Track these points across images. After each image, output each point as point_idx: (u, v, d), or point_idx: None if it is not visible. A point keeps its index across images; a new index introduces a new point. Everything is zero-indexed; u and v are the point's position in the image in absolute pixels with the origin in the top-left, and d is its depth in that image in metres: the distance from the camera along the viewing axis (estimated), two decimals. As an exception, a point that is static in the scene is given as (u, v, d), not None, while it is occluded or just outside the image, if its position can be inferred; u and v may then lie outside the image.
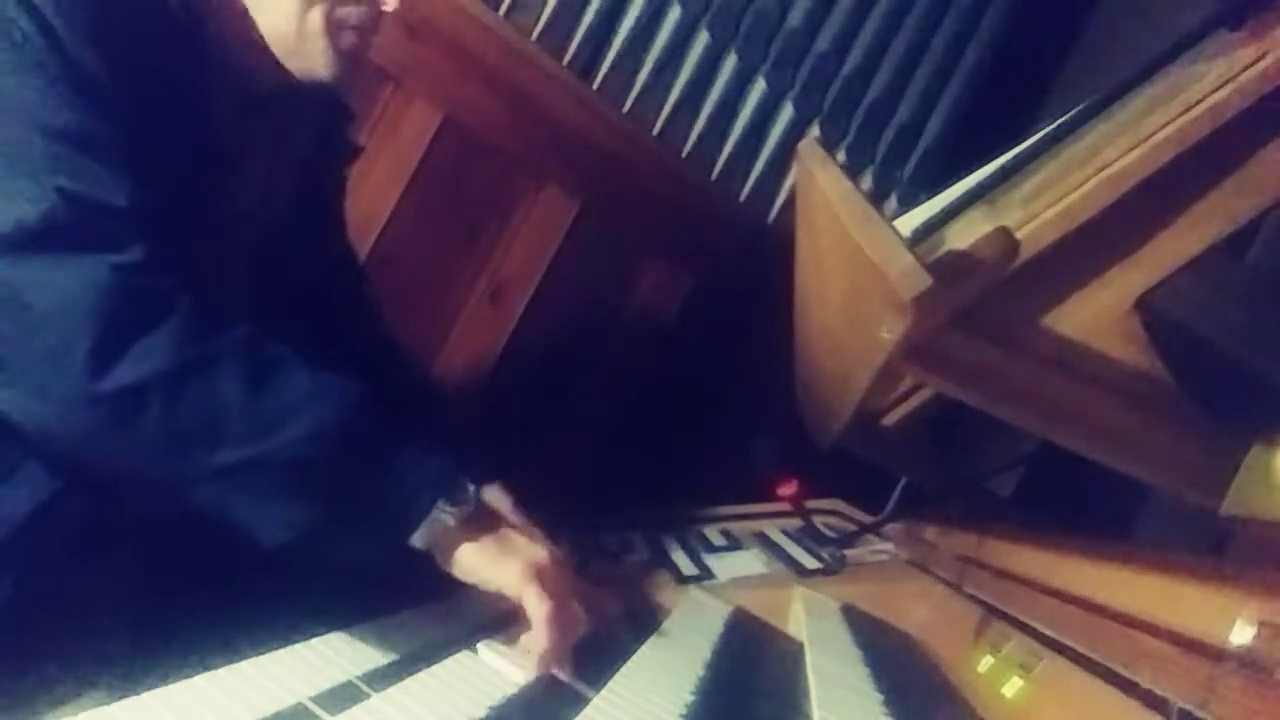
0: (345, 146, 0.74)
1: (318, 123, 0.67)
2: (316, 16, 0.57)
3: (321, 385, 0.51)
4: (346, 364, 0.72)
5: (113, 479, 0.51)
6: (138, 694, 0.38)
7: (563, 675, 0.52)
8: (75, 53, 0.49)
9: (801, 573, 0.83)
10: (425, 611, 0.58)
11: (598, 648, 0.59)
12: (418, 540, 0.52)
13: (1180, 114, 0.61)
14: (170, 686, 0.40)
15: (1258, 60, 0.60)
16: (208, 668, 0.42)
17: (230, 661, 0.44)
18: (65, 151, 0.48)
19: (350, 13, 0.58)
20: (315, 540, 0.50)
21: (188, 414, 0.47)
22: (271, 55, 0.58)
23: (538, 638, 0.52)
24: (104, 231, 0.48)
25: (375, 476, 0.51)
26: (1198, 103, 0.60)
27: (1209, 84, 0.61)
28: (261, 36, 0.57)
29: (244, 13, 0.57)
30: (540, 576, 0.53)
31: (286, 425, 0.48)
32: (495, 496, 0.66)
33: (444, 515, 0.52)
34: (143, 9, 0.52)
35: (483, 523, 0.54)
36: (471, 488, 0.53)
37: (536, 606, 0.52)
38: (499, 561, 0.53)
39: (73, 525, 0.54)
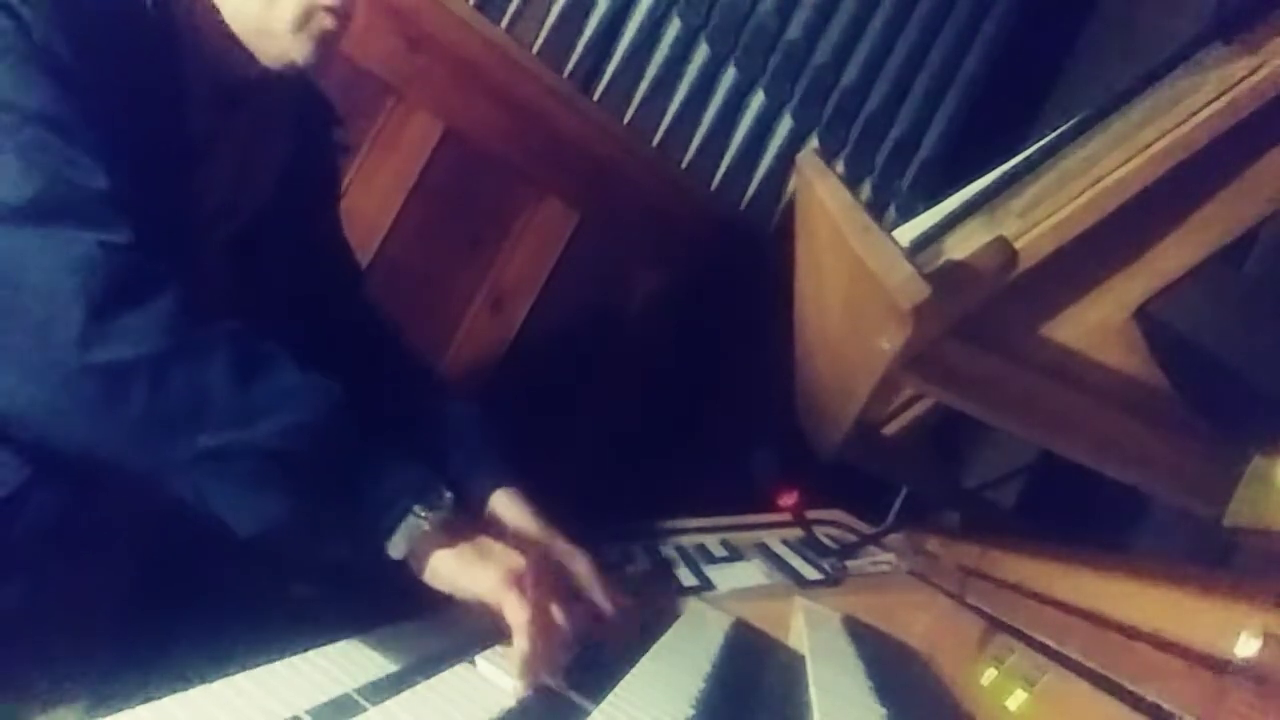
0: (331, 147, 0.73)
1: (299, 120, 0.66)
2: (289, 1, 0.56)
3: (308, 383, 0.51)
4: (336, 357, 0.71)
5: (90, 463, 0.50)
6: (126, 708, 0.38)
7: (552, 683, 0.51)
8: (42, 39, 0.49)
9: (802, 584, 0.83)
10: (423, 624, 0.58)
11: (597, 660, 0.59)
12: (395, 546, 0.51)
13: (1176, 125, 0.61)
14: (164, 700, 0.40)
15: (1252, 73, 0.60)
16: (199, 680, 0.42)
17: (223, 674, 0.43)
18: (40, 132, 0.48)
19: None
20: (289, 535, 0.49)
21: (173, 397, 0.47)
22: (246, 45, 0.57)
23: (520, 643, 0.51)
24: (88, 210, 0.48)
25: (354, 477, 0.51)
26: (1193, 114, 0.61)
27: (1204, 96, 0.61)
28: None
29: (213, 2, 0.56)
30: (519, 583, 0.52)
31: (269, 416, 0.48)
32: (507, 502, 0.65)
33: (420, 520, 0.51)
34: (112, 1, 0.52)
35: (460, 530, 0.53)
36: (448, 495, 0.53)
37: (515, 612, 0.52)
38: (475, 568, 0.53)
39: (47, 520, 0.53)
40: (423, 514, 0.51)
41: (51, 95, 0.49)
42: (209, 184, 0.60)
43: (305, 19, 0.57)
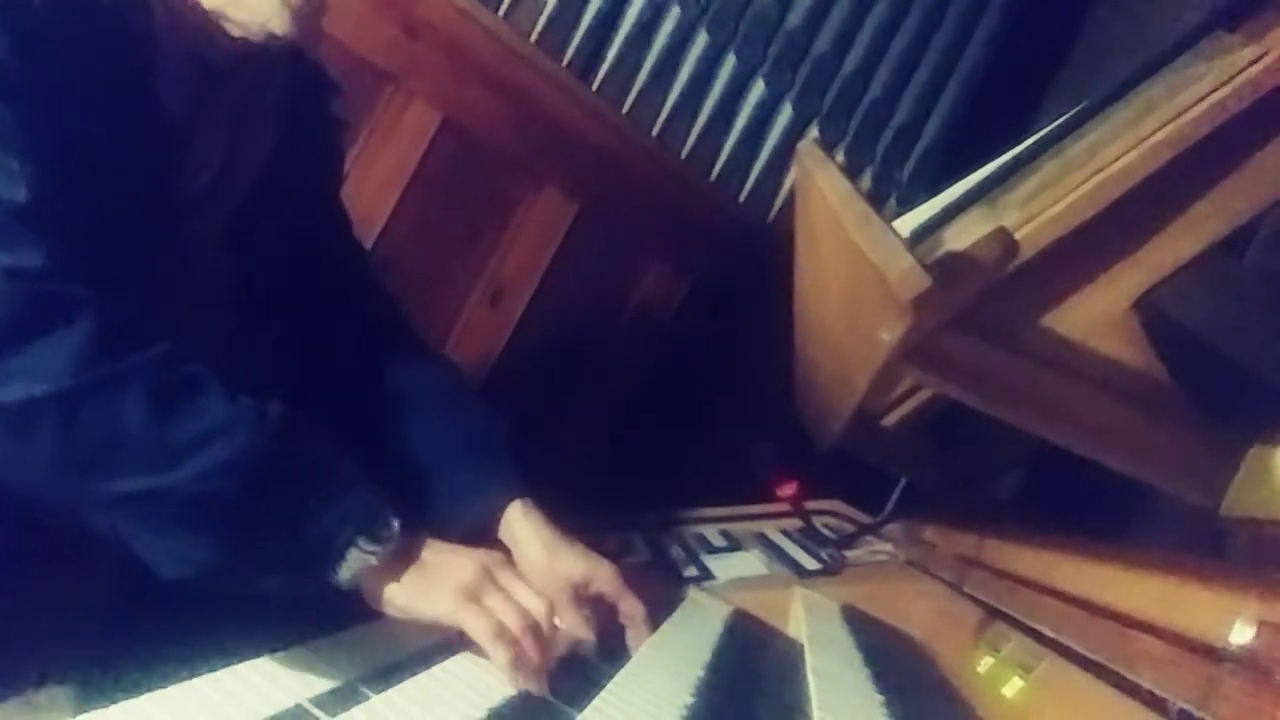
0: (327, 120, 0.70)
1: (291, 95, 0.63)
2: None
3: (236, 415, 0.47)
4: (341, 345, 0.69)
5: (17, 490, 0.48)
6: (124, 699, 0.38)
7: (536, 690, 0.50)
8: None
9: (801, 573, 0.83)
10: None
11: (597, 648, 0.59)
12: (340, 580, 0.49)
13: (1178, 115, 0.61)
14: (169, 689, 0.40)
15: (1255, 61, 0.60)
16: (199, 671, 0.42)
17: (225, 664, 0.44)
18: None
19: None
20: (221, 577, 0.47)
21: (84, 438, 0.44)
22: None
23: (494, 657, 0.50)
24: None
25: (289, 513, 0.48)
26: (1196, 104, 0.61)
27: (1207, 85, 0.61)
28: None
29: None
30: (473, 598, 0.51)
31: (192, 457, 0.45)
32: (522, 517, 0.64)
33: (366, 555, 0.49)
34: None
35: (408, 553, 0.51)
36: (395, 522, 0.50)
37: (476, 631, 0.50)
38: (426, 594, 0.51)
39: (21, 515, 0.51)
40: (369, 548, 0.49)
41: None
42: (195, 167, 0.58)
43: None
